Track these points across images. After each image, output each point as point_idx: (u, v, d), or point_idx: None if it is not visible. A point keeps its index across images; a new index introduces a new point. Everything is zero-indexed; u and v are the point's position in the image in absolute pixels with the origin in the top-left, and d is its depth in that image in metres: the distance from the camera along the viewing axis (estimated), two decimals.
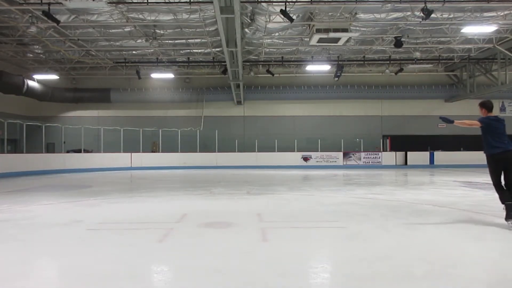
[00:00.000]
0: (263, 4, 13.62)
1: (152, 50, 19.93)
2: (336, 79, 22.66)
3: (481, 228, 5.48)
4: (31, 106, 24.27)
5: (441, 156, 23.52)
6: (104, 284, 3.23)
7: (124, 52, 20.63)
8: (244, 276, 3.44)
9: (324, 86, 24.53)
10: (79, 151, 21.36)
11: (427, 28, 16.67)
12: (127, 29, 16.65)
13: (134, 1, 13.47)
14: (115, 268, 3.65)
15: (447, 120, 5.59)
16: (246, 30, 16.42)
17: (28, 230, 5.36)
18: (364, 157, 23.59)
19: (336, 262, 3.96)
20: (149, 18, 15.08)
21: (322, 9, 14.29)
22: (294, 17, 13.68)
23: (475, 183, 11.84)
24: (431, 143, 24.06)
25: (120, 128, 21.95)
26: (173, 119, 24.94)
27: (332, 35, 14.37)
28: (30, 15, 14.38)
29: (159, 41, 17.55)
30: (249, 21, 15.28)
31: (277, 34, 17.26)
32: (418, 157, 23.56)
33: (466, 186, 11.15)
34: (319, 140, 23.86)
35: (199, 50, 20.47)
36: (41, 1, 12.99)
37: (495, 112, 25.13)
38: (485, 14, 14.76)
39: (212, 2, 11.68)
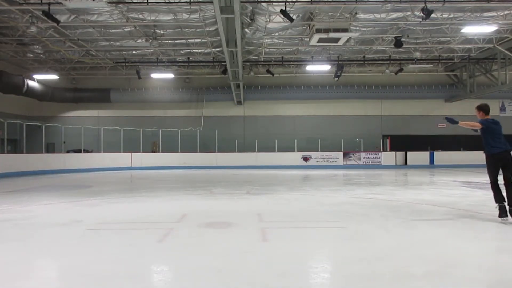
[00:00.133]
0: (263, 4, 13.62)
1: (152, 50, 19.94)
2: (336, 79, 22.67)
3: (481, 228, 5.48)
4: (31, 106, 24.28)
5: (441, 156, 23.53)
6: (104, 284, 3.23)
7: (124, 52, 20.63)
8: (244, 276, 3.44)
9: (324, 86, 24.53)
10: (79, 151, 21.36)
11: (427, 28, 16.67)
12: (127, 29, 16.65)
13: (134, 1, 13.46)
14: (115, 268, 3.65)
15: (452, 120, 5.88)
16: (246, 30, 16.42)
17: (28, 230, 5.36)
18: (364, 157, 23.59)
19: (336, 262, 3.96)
20: (149, 18, 15.08)
21: (322, 9, 14.28)
22: (294, 17, 13.68)
23: (475, 183, 11.84)
24: (431, 143, 24.07)
25: (120, 128, 21.95)
26: (173, 119, 24.94)
27: (332, 35, 14.37)
28: (30, 15, 14.37)
29: (159, 41, 17.54)
30: (249, 21, 15.28)
31: (277, 34, 17.26)
32: (418, 157, 23.56)
33: (466, 186, 11.15)
34: (319, 140, 23.86)
35: (199, 50, 20.47)
36: (41, 1, 12.98)
37: (495, 112, 25.38)
38: (485, 14, 14.75)
39: (212, 2, 11.68)
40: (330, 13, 14.54)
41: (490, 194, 6.39)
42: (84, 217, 6.31)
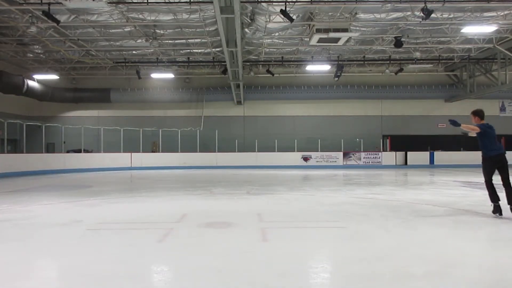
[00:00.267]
0: (263, 4, 13.62)
1: (152, 50, 19.94)
2: (336, 79, 22.67)
3: (481, 228, 5.49)
4: (31, 106, 24.28)
5: (441, 156, 23.53)
6: (104, 284, 3.23)
7: (124, 52, 20.63)
8: (244, 276, 3.44)
9: (324, 86, 24.53)
10: (79, 151, 21.36)
11: (427, 28, 16.67)
12: (127, 29, 16.65)
13: (134, 1, 13.46)
14: (115, 268, 3.65)
15: (455, 123, 6.16)
16: (246, 30, 16.42)
17: (28, 230, 5.36)
18: (364, 157, 23.59)
19: (336, 262, 3.96)
20: (149, 18, 15.08)
21: (322, 9, 14.29)
22: (294, 17, 13.68)
23: (475, 183, 11.83)
24: (431, 143, 24.07)
25: (120, 128, 21.95)
26: (173, 119, 24.95)
27: (332, 35, 14.38)
28: (30, 15, 14.37)
29: (159, 41, 17.54)
30: (249, 21, 15.28)
31: (277, 34, 17.26)
32: (418, 157, 23.56)
33: (466, 186, 11.15)
34: (319, 140, 23.86)
35: (199, 50, 20.47)
36: (41, 1, 12.98)
37: (496, 112, 25.38)
38: (485, 14, 14.76)
39: (212, 2, 11.69)
40: (330, 13, 14.54)
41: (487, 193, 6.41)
42: (84, 217, 6.31)
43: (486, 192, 6.18)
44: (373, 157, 23.60)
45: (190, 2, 13.35)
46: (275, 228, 5.47)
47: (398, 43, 16.77)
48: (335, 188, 11.05)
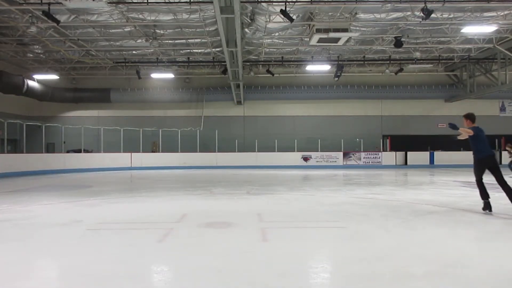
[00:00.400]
0: (263, 4, 13.62)
1: (152, 50, 19.94)
2: (336, 79, 22.67)
3: (481, 228, 5.49)
4: (31, 106, 24.28)
5: (441, 156, 23.53)
6: (104, 284, 3.23)
7: (124, 52, 20.63)
8: (244, 276, 3.44)
9: (324, 86, 24.53)
10: (79, 151, 21.36)
11: (427, 28, 16.67)
12: (127, 29, 16.65)
13: (134, 1, 13.46)
14: (115, 268, 3.65)
15: (454, 126, 6.54)
16: (246, 30, 16.42)
17: (28, 230, 5.36)
18: (364, 157, 23.59)
19: (336, 262, 3.96)
20: (149, 18, 15.08)
21: (322, 9, 14.28)
22: (294, 17, 13.68)
23: (475, 183, 11.82)
24: (431, 143, 24.07)
25: (120, 128, 21.95)
26: (173, 119, 24.95)
27: (332, 35, 14.37)
28: (30, 15, 14.37)
29: (159, 41, 17.54)
30: (249, 21, 15.28)
31: (277, 34, 17.26)
32: (418, 157, 23.57)
33: (466, 186, 11.15)
34: (319, 140, 23.86)
35: (199, 50, 20.47)
36: (41, 1, 12.98)
37: (496, 112, 25.38)
38: (485, 14, 14.76)
39: (212, 2, 11.69)
40: (330, 13, 14.54)
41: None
42: (84, 217, 6.31)
43: None
44: (373, 157, 23.60)
45: (190, 2, 13.35)
46: (275, 228, 5.47)
47: (398, 43, 16.77)
48: (335, 188, 11.05)
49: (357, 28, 16.22)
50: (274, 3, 13.53)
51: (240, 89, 23.21)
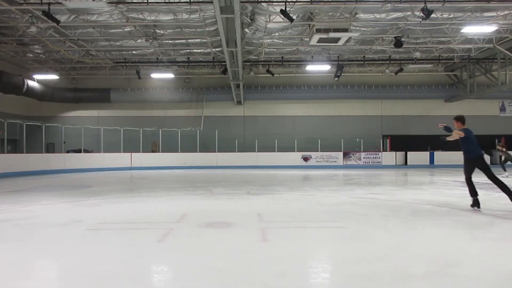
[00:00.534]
0: (263, 4, 13.62)
1: (152, 50, 19.94)
2: (336, 79, 22.67)
3: (481, 228, 5.49)
4: (31, 106, 24.28)
5: (441, 156, 23.52)
6: (104, 284, 3.23)
7: (124, 52, 20.63)
8: (244, 276, 3.44)
9: (324, 86, 24.53)
10: (79, 151, 21.37)
11: (427, 28, 16.68)
12: (127, 29, 16.65)
13: (134, 1, 13.47)
14: (115, 268, 3.64)
15: (449, 129, 6.98)
16: (246, 30, 16.42)
17: (28, 230, 5.36)
18: (364, 157, 23.59)
19: (336, 262, 3.96)
20: (149, 18, 15.08)
21: (322, 9, 14.29)
22: (294, 17, 13.68)
23: (474, 183, 11.82)
24: (431, 143, 24.05)
25: (120, 128, 21.95)
26: (173, 119, 24.95)
27: (332, 35, 14.37)
28: (30, 15, 14.37)
29: (159, 41, 17.55)
30: (249, 21, 15.28)
31: (277, 34, 17.26)
32: (418, 157, 23.57)
33: (466, 186, 11.13)
34: (319, 140, 23.87)
35: (199, 50, 20.47)
36: (41, 1, 12.99)
37: (495, 112, 25.36)
38: (485, 14, 14.76)
39: (212, 2, 11.69)
40: (330, 13, 14.54)
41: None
42: (84, 217, 6.31)
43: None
44: (373, 157, 23.60)
45: (190, 2, 13.36)
46: (275, 228, 5.47)
47: (398, 43, 16.77)
48: (335, 188, 11.05)
49: (357, 28, 16.22)
50: (274, 3, 13.53)
51: (240, 89, 23.21)
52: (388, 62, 22.24)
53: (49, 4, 12.88)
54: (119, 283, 3.26)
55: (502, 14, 14.78)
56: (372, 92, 24.63)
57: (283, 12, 12.85)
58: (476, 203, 6.91)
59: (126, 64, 22.27)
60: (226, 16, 12.47)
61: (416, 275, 3.40)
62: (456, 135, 6.93)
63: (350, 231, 5.21)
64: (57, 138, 21.66)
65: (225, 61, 19.46)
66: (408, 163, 23.61)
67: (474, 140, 6.93)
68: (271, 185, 11.90)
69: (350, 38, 16.39)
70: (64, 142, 21.00)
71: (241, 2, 12.62)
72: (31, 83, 21.48)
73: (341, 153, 23.64)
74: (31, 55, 20.85)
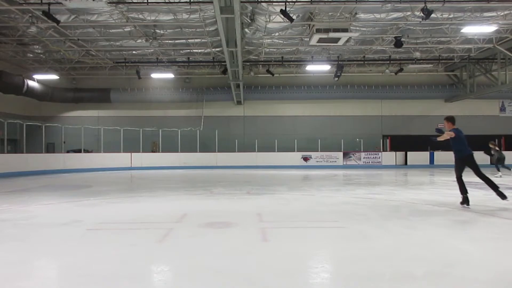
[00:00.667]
0: (263, 4, 13.62)
1: (152, 50, 19.94)
2: (336, 79, 22.66)
3: (481, 228, 5.49)
4: (31, 106, 24.28)
5: (441, 156, 23.51)
6: (104, 284, 3.23)
7: (124, 52, 20.63)
8: (244, 276, 3.44)
9: (324, 86, 24.53)
10: (79, 151, 21.37)
11: (427, 28, 16.68)
12: (127, 29, 16.66)
13: (134, 1, 13.47)
14: (115, 268, 3.65)
15: (440, 130, 7.36)
16: (246, 30, 16.42)
17: (28, 230, 5.36)
18: (364, 157, 23.59)
19: (336, 262, 3.96)
20: (149, 18, 15.08)
21: (322, 9, 14.29)
22: (294, 17, 13.68)
23: (475, 183, 11.79)
24: (431, 143, 24.03)
25: (120, 128, 21.95)
26: (173, 119, 24.94)
27: (332, 35, 14.37)
28: (30, 15, 14.38)
29: (159, 41, 17.54)
30: (249, 21, 15.28)
31: (277, 34, 17.26)
32: (418, 157, 23.56)
33: (466, 186, 11.13)
34: (319, 140, 23.86)
35: (199, 50, 20.47)
36: (41, 1, 12.99)
37: (495, 112, 25.34)
38: (485, 14, 14.76)
39: (212, 2, 11.69)
40: (330, 13, 14.54)
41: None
42: (84, 217, 6.31)
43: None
44: (373, 157, 23.60)
45: (190, 2, 13.36)
46: (275, 228, 5.47)
47: (398, 43, 16.77)
48: (335, 188, 11.05)
49: (357, 28, 16.22)
50: (274, 3, 13.53)
51: (240, 89, 23.21)
52: (388, 62, 22.24)
53: (49, 4, 12.88)
54: (119, 283, 3.26)
55: (502, 14, 14.78)
56: (372, 92, 24.62)
57: (283, 12, 12.85)
58: (465, 201, 7.12)
59: (126, 64, 22.27)
60: (226, 16, 12.47)
61: (416, 275, 3.40)
62: (446, 135, 7.13)
63: (350, 231, 5.21)
64: (57, 138, 21.65)
65: (225, 61, 19.45)
66: (408, 163, 23.60)
67: (464, 140, 7.15)
68: (271, 185, 11.90)
69: (350, 38, 16.39)
70: (64, 142, 21.00)
71: (241, 2, 12.62)
72: (31, 83, 21.48)
73: (341, 153, 23.64)
74: (31, 55, 20.84)
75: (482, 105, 25.02)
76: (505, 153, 15.89)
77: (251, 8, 14.31)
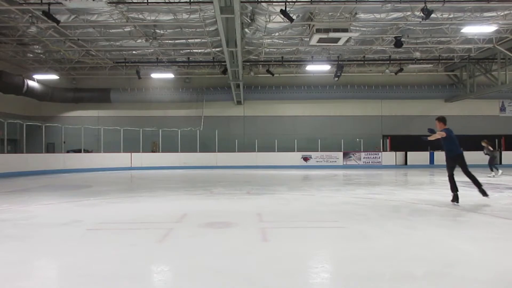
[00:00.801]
0: (263, 4, 13.62)
1: (152, 50, 19.94)
2: (336, 79, 22.66)
3: (481, 228, 5.49)
4: (31, 106, 24.27)
5: (441, 156, 23.28)
6: (104, 284, 3.23)
7: (124, 52, 20.63)
8: (244, 276, 3.44)
9: (324, 86, 24.53)
10: (79, 151, 21.36)
11: (427, 28, 16.67)
12: (127, 29, 16.65)
13: (134, 1, 13.47)
14: (115, 268, 3.65)
15: (432, 131, 7.62)
16: (246, 30, 16.41)
17: (28, 230, 5.36)
18: (364, 157, 23.58)
19: (336, 262, 3.97)
20: (149, 18, 15.08)
21: (322, 9, 14.29)
22: (294, 17, 13.68)
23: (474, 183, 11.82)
24: (431, 143, 23.94)
25: (120, 128, 21.95)
26: (173, 119, 24.94)
27: (332, 35, 14.37)
28: (30, 15, 14.38)
29: (159, 41, 17.54)
30: (249, 21, 15.28)
31: (277, 34, 17.26)
32: (418, 157, 23.54)
33: (466, 186, 11.13)
34: (319, 140, 23.86)
35: (199, 50, 20.47)
36: (41, 1, 12.99)
37: (495, 112, 25.36)
38: (485, 14, 14.76)
39: (212, 2, 11.69)
40: (330, 13, 14.54)
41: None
42: (84, 217, 6.31)
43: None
44: (373, 157, 23.59)
45: (190, 2, 13.36)
46: (275, 228, 5.47)
47: (398, 43, 16.77)
48: (335, 188, 11.05)
49: (357, 28, 16.22)
50: (274, 3, 13.53)
51: (240, 89, 23.20)
52: (388, 62, 22.24)
53: (49, 4, 12.88)
54: (119, 283, 3.26)
55: (502, 14, 14.78)
56: (372, 92, 24.62)
57: (283, 12, 12.85)
58: (455, 198, 7.40)
59: (126, 64, 22.27)
60: (226, 16, 12.46)
61: (416, 275, 3.40)
62: (438, 135, 7.40)
63: (350, 231, 5.21)
64: (57, 138, 21.65)
65: (225, 61, 19.45)
66: (408, 163, 23.59)
67: (455, 140, 7.38)
68: (271, 185, 11.90)
69: (350, 38, 16.38)
70: (64, 142, 20.99)
71: (241, 2, 12.62)
72: (31, 83, 21.47)
73: (341, 153, 23.64)
74: (31, 55, 20.84)
75: (482, 105, 25.02)
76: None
77: (251, 8, 14.31)
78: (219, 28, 13.65)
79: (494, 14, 14.77)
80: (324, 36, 14.45)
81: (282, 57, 21.23)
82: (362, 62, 22.42)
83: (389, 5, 13.79)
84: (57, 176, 16.28)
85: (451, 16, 14.97)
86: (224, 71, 21.35)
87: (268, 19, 14.99)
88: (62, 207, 7.48)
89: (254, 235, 4.97)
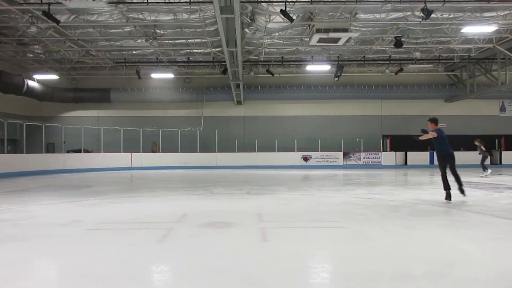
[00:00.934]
0: (263, 4, 13.62)
1: (152, 50, 19.93)
2: (336, 79, 22.66)
3: (481, 228, 5.49)
4: (31, 106, 24.27)
5: None
6: (104, 284, 3.23)
7: (124, 52, 20.63)
8: (244, 276, 3.44)
9: (324, 86, 24.53)
10: (79, 151, 21.36)
11: (427, 28, 16.67)
12: (127, 29, 16.65)
13: (134, 1, 13.47)
14: (115, 268, 3.65)
15: (425, 131, 7.78)
16: (246, 30, 16.42)
17: (28, 230, 5.36)
18: (364, 157, 23.58)
19: (336, 262, 3.97)
20: (149, 18, 15.08)
21: (322, 9, 14.29)
22: (294, 17, 13.68)
23: (475, 183, 11.82)
24: (431, 143, 23.90)
25: (120, 128, 21.95)
26: (173, 119, 24.94)
27: (332, 35, 14.37)
28: (30, 15, 14.38)
29: (159, 41, 17.54)
30: (249, 21, 15.28)
31: (277, 34, 17.26)
32: (418, 157, 23.54)
33: (465, 186, 11.14)
34: (319, 140, 23.86)
35: (199, 50, 20.47)
36: (41, 1, 12.99)
37: (495, 112, 25.35)
38: (485, 14, 14.76)
39: (212, 2, 11.69)
40: (330, 13, 14.54)
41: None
42: (84, 217, 6.31)
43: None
44: (373, 157, 23.59)
45: (190, 2, 13.36)
46: (275, 228, 5.47)
47: (398, 43, 16.76)
48: (335, 188, 11.05)
49: (357, 28, 16.22)
50: (274, 3, 13.53)
51: (240, 89, 23.20)
52: (388, 62, 22.24)
53: (49, 4, 12.88)
54: (119, 283, 3.26)
55: (502, 14, 14.78)
56: (372, 92, 24.62)
57: (283, 12, 12.85)
58: (448, 197, 7.68)
59: (126, 64, 22.27)
60: (226, 16, 12.46)
61: (416, 275, 3.40)
62: (430, 135, 7.66)
63: (350, 231, 5.21)
64: (57, 138, 21.64)
65: (225, 61, 19.45)
66: (408, 163, 23.60)
67: (446, 140, 7.65)
68: (271, 185, 11.90)
69: (350, 38, 16.38)
70: (64, 142, 20.99)
71: (241, 2, 12.61)
72: (31, 83, 21.47)
73: (341, 153, 23.64)
74: (31, 55, 20.84)
75: (482, 105, 25.02)
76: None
77: (251, 8, 14.31)
78: (219, 28, 13.65)
79: (494, 14, 14.77)
80: (324, 36, 14.45)
81: (282, 57, 21.23)
82: (362, 62, 22.42)
83: (389, 5, 13.79)
84: (57, 176, 16.28)
85: (451, 16, 14.98)
86: (224, 71, 21.35)
87: (268, 19, 14.99)
88: (62, 207, 7.48)
89: (254, 235, 4.97)
